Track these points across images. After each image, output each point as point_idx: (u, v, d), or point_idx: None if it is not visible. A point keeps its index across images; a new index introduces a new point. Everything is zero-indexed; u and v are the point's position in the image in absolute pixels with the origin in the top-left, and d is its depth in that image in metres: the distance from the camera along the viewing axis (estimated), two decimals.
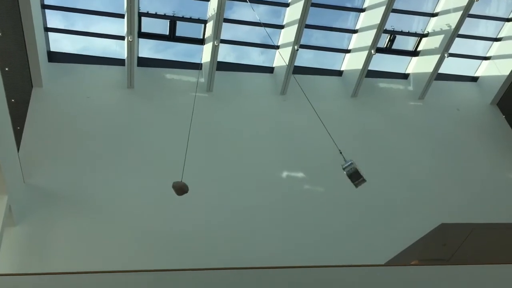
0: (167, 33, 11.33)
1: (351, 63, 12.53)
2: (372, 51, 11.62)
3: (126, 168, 9.89)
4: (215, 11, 10.39)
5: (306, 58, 12.70)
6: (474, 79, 13.89)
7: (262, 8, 11.69)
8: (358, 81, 12.22)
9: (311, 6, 10.80)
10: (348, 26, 12.32)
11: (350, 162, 6.96)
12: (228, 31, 11.54)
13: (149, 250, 8.83)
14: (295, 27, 11.04)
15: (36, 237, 8.62)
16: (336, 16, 12.28)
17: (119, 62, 11.25)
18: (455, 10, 11.70)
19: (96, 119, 10.46)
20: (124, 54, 10.86)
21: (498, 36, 13.15)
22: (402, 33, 12.46)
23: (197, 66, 11.85)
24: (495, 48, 13.26)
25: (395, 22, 12.11)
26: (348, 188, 10.04)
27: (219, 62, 11.40)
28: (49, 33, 10.65)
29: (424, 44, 12.72)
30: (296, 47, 11.15)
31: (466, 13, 11.54)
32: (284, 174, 10.82)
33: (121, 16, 10.51)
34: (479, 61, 13.65)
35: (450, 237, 10.72)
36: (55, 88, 10.62)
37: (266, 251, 9.14)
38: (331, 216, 10.13)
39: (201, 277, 6.74)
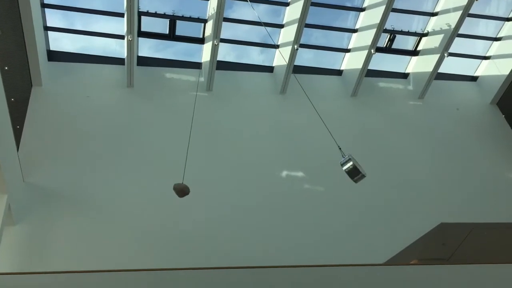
0: (167, 32, 11.33)
1: (351, 62, 12.53)
2: (372, 50, 11.62)
3: (125, 167, 9.89)
4: (215, 10, 10.39)
5: (306, 58, 12.72)
6: (474, 78, 13.89)
7: (262, 7, 11.68)
8: (357, 80, 12.22)
9: (311, 5, 10.79)
10: (348, 25, 12.32)
11: (348, 158, 6.64)
12: (228, 30, 11.55)
13: (149, 250, 8.84)
14: (295, 27, 11.03)
15: (36, 236, 8.63)
16: (336, 16, 12.28)
17: (119, 61, 11.25)
18: (455, 9, 11.70)
19: (96, 118, 10.46)
20: (124, 53, 10.86)
21: (498, 36, 13.15)
22: (402, 32, 12.46)
23: (197, 65, 11.85)
24: (495, 48, 13.26)
25: (395, 21, 12.11)
26: (348, 188, 10.05)
27: (219, 61, 11.39)
28: (48, 32, 10.64)
29: (424, 43, 12.72)
30: (296, 46, 11.14)
31: (466, 13, 11.54)
32: (284, 173, 10.82)
33: (121, 15, 10.50)
34: (479, 60, 13.65)
35: (449, 236, 10.72)
36: (55, 87, 10.61)
37: (266, 250, 9.15)
38: (331, 215, 10.13)
39: (201, 276, 6.74)
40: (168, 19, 11.11)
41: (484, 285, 7.28)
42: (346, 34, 12.43)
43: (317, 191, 10.69)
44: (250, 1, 10.05)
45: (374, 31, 11.43)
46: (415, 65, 13.08)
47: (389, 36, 12.34)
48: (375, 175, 10.18)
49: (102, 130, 10.32)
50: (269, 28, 11.23)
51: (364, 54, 11.79)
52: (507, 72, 12.80)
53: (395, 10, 11.64)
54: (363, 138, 11.57)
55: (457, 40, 12.12)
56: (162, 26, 11.28)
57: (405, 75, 13.38)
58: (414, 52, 12.97)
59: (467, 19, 11.81)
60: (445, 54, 12.09)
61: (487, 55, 13.44)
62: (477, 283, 7.28)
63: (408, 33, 12.60)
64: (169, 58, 11.92)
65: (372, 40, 11.53)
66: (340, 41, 12.68)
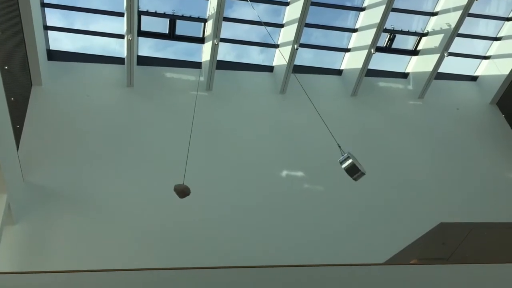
0: (167, 32, 11.32)
1: (351, 62, 12.53)
2: (372, 50, 11.62)
3: (125, 166, 9.89)
4: (215, 10, 10.38)
5: (306, 57, 12.72)
6: (473, 78, 13.89)
7: (262, 6, 11.68)
8: (357, 80, 12.22)
9: (311, 5, 10.79)
10: (348, 25, 12.32)
11: (346, 155, 6.56)
12: (228, 30, 11.55)
13: (149, 249, 8.83)
14: (295, 26, 11.03)
15: (36, 236, 8.62)
16: (336, 15, 12.28)
17: (118, 60, 11.25)
18: (455, 9, 11.70)
19: (96, 118, 10.46)
20: (123, 53, 10.86)
21: (498, 36, 13.15)
22: (402, 32, 12.47)
23: (197, 65, 11.85)
24: (494, 48, 13.26)
25: (395, 21, 12.11)
26: (348, 187, 10.07)
27: (218, 61, 11.38)
28: (48, 31, 10.64)
29: (424, 43, 12.72)
30: (296, 46, 11.14)
31: (466, 12, 11.54)
32: (284, 173, 10.82)
33: (120, 14, 10.50)
34: (478, 60, 13.65)
35: (449, 236, 10.72)
36: (55, 87, 10.61)
37: (266, 250, 9.15)
38: (331, 215, 10.13)
39: (201, 275, 6.74)
40: (168, 19, 11.11)
41: (484, 284, 7.27)
42: (346, 33, 12.43)
43: (317, 191, 10.69)
44: (250, 1, 10.05)
45: (374, 30, 11.43)
46: (415, 65, 13.08)
47: (389, 35, 12.35)
48: (375, 175, 10.17)
49: (102, 129, 10.32)
50: (269, 28, 11.23)
51: (364, 54, 11.79)
52: (507, 72, 12.80)
53: (395, 10, 11.64)
54: (363, 138, 11.57)
55: (457, 39, 12.13)
56: (162, 25, 11.28)
57: (405, 75, 13.38)
58: (414, 52, 12.97)
59: (467, 18, 11.81)
60: (445, 54, 12.09)
61: (487, 55, 13.44)
62: (477, 283, 7.27)
63: (408, 33, 12.61)
64: (169, 58, 11.92)
65: (372, 40, 11.53)
66: (340, 41, 12.69)
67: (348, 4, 12.23)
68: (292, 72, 11.47)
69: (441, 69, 12.59)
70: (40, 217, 8.80)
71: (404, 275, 7.29)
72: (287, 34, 11.47)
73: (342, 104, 12.32)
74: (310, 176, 10.83)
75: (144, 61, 11.60)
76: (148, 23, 11.13)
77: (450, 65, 13.09)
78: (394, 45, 12.61)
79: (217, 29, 10.62)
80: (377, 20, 11.33)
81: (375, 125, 12.14)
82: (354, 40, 12.32)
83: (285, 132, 11.37)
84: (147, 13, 10.94)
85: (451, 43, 12.03)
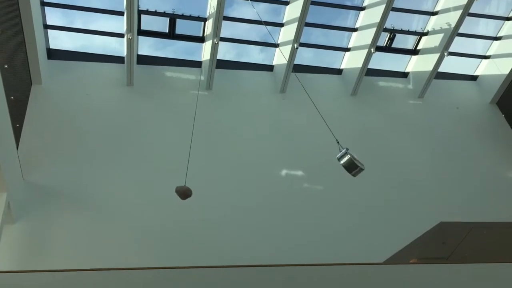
0: (167, 31, 11.31)
1: (351, 61, 12.52)
2: (372, 49, 11.62)
3: (125, 165, 9.88)
4: (215, 9, 10.38)
5: (306, 57, 12.72)
6: (473, 78, 13.89)
7: (262, 6, 11.66)
8: (357, 79, 12.22)
9: (311, 4, 10.78)
10: (348, 24, 12.32)
11: (344, 151, 6.36)
12: (228, 29, 11.55)
13: (149, 249, 8.83)
14: (295, 25, 11.02)
15: (35, 235, 8.62)
16: (336, 15, 12.27)
17: (118, 59, 11.24)
18: (455, 8, 11.70)
19: (96, 117, 10.45)
20: (123, 52, 10.85)
21: (498, 35, 13.15)
22: (402, 31, 12.47)
23: (197, 64, 11.84)
24: (494, 47, 13.27)
25: (395, 20, 12.11)
26: (347, 187, 10.10)
27: (218, 60, 11.37)
28: (48, 30, 10.63)
29: (424, 42, 12.72)
30: (296, 45, 11.13)
31: (466, 12, 11.54)
32: (284, 172, 10.82)
33: (120, 13, 10.48)
34: (478, 60, 13.66)
35: (449, 235, 10.71)
36: (55, 86, 10.60)
37: (266, 250, 9.15)
38: (331, 215, 10.13)
39: (201, 275, 6.73)
40: (168, 18, 11.10)
41: (483, 284, 7.27)
42: (346, 33, 12.42)
43: (317, 191, 10.69)
44: (250, 0, 10.04)
45: (374, 30, 11.43)
46: (415, 64, 13.07)
47: (389, 35, 12.34)
48: (374, 174, 10.22)
49: (102, 128, 10.32)
50: (269, 27, 11.22)
51: (364, 53, 11.79)
52: (507, 72, 12.81)
53: (395, 9, 11.63)
54: (363, 137, 11.56)
55: (457, 39, 12.13)
56: (162, 24, 11.27)
57: (405, 74, 13.38)
58: (414, 51, 12.96)
59: (467, 18, 11.81)
60: (445, 53, 12.10)
61: (487, 54, 13.44)
62: (476, 283, 7.27)
63: (408, 32, 12.60)
64: (169, 57, 11.92)
65: (372, 39, 11.52)
66: (340, 40, 12.69)
67: (348, 4, 12.23)
68: (292, 72, 11.47)
69: (441, 69, 12.59)
70: (39, 216, 8.79)
71: (404, 274, 7.29)
72: (287, 33, 11.46)
73: (342, 104, 12.32)
74: (310, 176, 10.83)
75: (144, 60, 11.59)
76: (148, 22, 11.13)
77: (450, 65, 13.09)
78: (394, 45, 12.61)
79: (217, 28, 10.61)
80: (377, 19, 11.33)
81: (375, 125, 12.14)
82: (354, 39, 12.31)
83: (285, 131, 11.37)
84: (147, 12, 10.93)
85: (451, 43, 12.03)
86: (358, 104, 12.42)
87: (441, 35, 12.14)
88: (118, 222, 9.08)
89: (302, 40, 11.43)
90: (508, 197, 11.32)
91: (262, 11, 11.70)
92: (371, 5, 11.65)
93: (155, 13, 11.02)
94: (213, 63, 11.17)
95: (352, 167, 6.33)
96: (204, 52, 11.55)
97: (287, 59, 11.29)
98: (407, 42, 12.90)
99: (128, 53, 10.54)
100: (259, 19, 9.54)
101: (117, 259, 8.37)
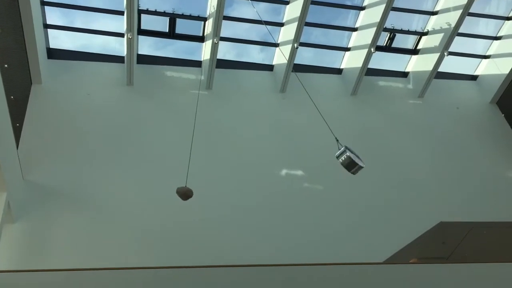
0: (167, 31, 11.31)
1: (351, 61, 12.52)
2: (372, 49, 11.62)
3: (125, 165, 9.88)
4: (215, 9, 10.37)
5: (306, 56, 12.72)
6: (473, 77, 13.89)
7: (262, 5, 11.65)
8: (357, 79, 12.21)
9: (311, 4, 10.77)
10: (348, 24, 12.31)
11: (343, 149, 6.21)
12: (228, 29, 11.54)
13: (149, 249, 8.83)
14: (295, 25, 11.02)
15: (35, 234, 8.62)
16: (336, 14, 12.27)
17: (118, 59, 11.23)
18: (455, 8, 11.69)
19: (96, 117, 10.45)
20: (123, 51, 10.84)
21: (498, 35, 13.14)
22: (402, 31, 12.46)
23: (197, 64, 11.84)
24: (494, 47, 13.26)
25: (395, 20, 12.10)
26: (347, 187, 10.11)
27: (218, 60, 11.37)
28: (48, 30, 10.62)
29: (424, 42, 12.72)
30: (296, 45, 11.13)
31: (466, 12, 11.54)
32: (284, 172, 10.82)
33: (120, 13, 10.48)
34: (478, 59, 13.65)
35: (449, 235, 10.73)
36: (55, 85, 10.60)
37: (266, 250, 9.15)
38: (331, 214, 10.13)
39: (201, 275, 6.73)
40: (168, 17, 11.09)
41: (483, 284, 7.28)
42: (346, 32, 12.42)
43: (317, 191, 10.69)
44: (250, 0, 10.04)
45: (374, 29, 11.42)
46: (415, 64, 13.07)
47: (389, 35, 12.34)
48: (374, 174, 10.23)
49: (102, 128, 10.31)
50: (269, 27, 11.22)
51: (364, 53, 11.78)
52: (507, 71, 12.81)
53: (395, 9, 11.63)
54: (363, 137, 11.55)
55: (457, 39, 12.12)
56: (162, 24, 11.27)
57: (405, 74, 13.37)
58: (414, 51, 12.96)
59: (467, 18, 11.81)
60: (445, 53, 12.09)
61: (487, 54, 13.44)
62: (476, 282, 7.28)
63: (408, 32, 12.60)
64: (169, 56, 11.92)
65: (372, 39, 11.52)
66: (340, 40, 12.68)
67: (348, 3, 12.22)
68: (292, 71, 11.46)
69: (441, 68, 12.58)
70: (39, 216, 8.79)
71: (404, 274, 7.30)
72: (287, 33, 11.46)
73: (342, 103, 12.31)
74: (310, 176, 10.82)
75: (144, 59, 11.58)
76: (148, 22, 11.12)
77: (450, 64, 13.09)
78: (394, 44, 12.60)
79: (217, 27, 10.61)
80: (377, 19, 11.32)
81: (375, 124, 12.14)
82: (354, 39, 12.31)
83: (285, 131, 11.37)
84: (147, 12, 10.92)
85: (451, 42, 12.02)
86: (358, 104, 12.42)
87: (441, 35, 12.14)
88: (118, 222, 9.08)
89: (302, 40, 11.43)
90: (508, 197, 11.32)
91: (262, 10, 11.71)
92: (371, 5, 11.65)
93: (155, 13, 11.02)
94: (213, 62, 11.17)
95: (351, 165, 6.20)
96: (204, 51, 11.54)
97: (287, 59, 11.29)
98: (407, 42, 12.90)
99: (128, 52, 10.54)
100: (259, 18, 9.54)
101: (117, 259, 8.37)
